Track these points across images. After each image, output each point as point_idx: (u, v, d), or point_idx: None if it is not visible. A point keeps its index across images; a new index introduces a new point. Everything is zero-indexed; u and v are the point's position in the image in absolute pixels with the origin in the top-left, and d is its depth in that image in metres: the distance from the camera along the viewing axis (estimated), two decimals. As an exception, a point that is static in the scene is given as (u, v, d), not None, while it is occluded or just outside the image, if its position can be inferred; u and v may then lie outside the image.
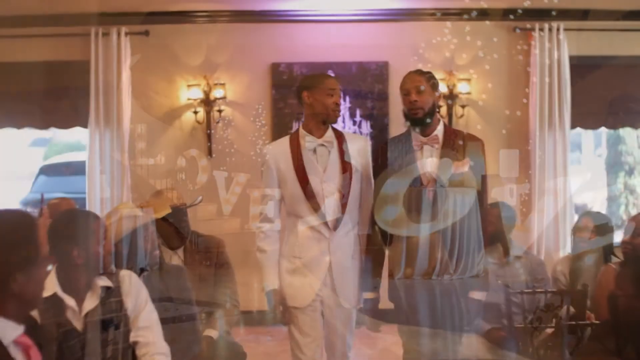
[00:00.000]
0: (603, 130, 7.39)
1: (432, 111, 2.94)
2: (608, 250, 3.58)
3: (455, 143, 2.92)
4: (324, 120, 3.02)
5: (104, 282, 2.47)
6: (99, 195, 5.83)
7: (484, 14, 5.85)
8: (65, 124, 6.21)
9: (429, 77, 2.96)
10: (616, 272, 2.86)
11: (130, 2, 5.79)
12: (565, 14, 5.86)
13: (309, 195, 2.95)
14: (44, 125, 6.33)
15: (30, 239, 1.86)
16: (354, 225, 3.07)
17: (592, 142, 10.97)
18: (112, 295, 2.48)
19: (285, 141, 3.09)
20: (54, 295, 2.36)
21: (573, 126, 6.09)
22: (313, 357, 3.01)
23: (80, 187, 6.34)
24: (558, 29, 5.89)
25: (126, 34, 5.82)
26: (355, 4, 5.78)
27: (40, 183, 7.50)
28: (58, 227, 2.42)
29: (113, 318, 2.46)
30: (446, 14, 5.90)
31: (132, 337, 2.48)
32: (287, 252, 3.05)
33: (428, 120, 2.93)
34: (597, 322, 2.95)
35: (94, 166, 5.87)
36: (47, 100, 6.15)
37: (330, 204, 2.96)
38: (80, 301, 2.41)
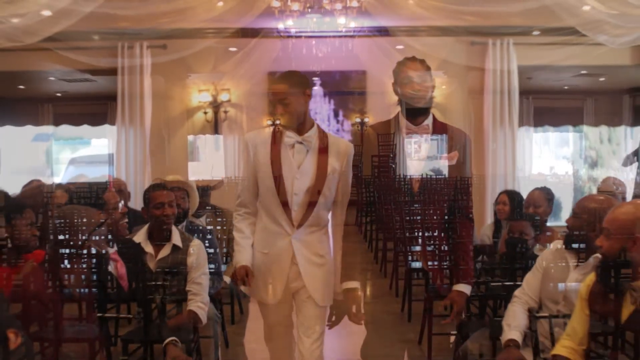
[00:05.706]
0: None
1: (431, 99, 2.83)
2: (518, 217, 4.68)
3: (444, 135, 2.84)
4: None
5: (177, 241, 3.48)
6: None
7: (445, 31, 6.96)
8: (95, 122, 7.26)
9: (427, 65, 2.84)
10: (514, 225, 4.01)
11: (152, 20, 6.78)
12: (514, 30, 6.95)
13: (279, 189, 2.87)
14: (78, 123, 7.40)
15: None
16: (323, 225, 2.98)
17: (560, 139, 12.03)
18: (179, 252, 3.47)
19: (268, 131, 3.00)
20: (139, 244, 3.47)
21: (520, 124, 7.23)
22: (284, 347, 3.03)
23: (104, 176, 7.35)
24: (508, 43, 7.01)
25: (147, 47, 6.86)
26: (338, 23, 6.77)
27: (70, 172, 8.55)
28: (145, 196, 3.50)
29: (175, 267, 3.43)
30: (415, 31, 6.99)
31: (188, 287, 3.41)
32: (256, 244, 2.96)
33: (426, 109, 2.78)
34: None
35: (121, 158, 6.95)
36: (81, 102, 7.21)
37: (297, 201, 2.87)
38: (157, 249, 3.46)
